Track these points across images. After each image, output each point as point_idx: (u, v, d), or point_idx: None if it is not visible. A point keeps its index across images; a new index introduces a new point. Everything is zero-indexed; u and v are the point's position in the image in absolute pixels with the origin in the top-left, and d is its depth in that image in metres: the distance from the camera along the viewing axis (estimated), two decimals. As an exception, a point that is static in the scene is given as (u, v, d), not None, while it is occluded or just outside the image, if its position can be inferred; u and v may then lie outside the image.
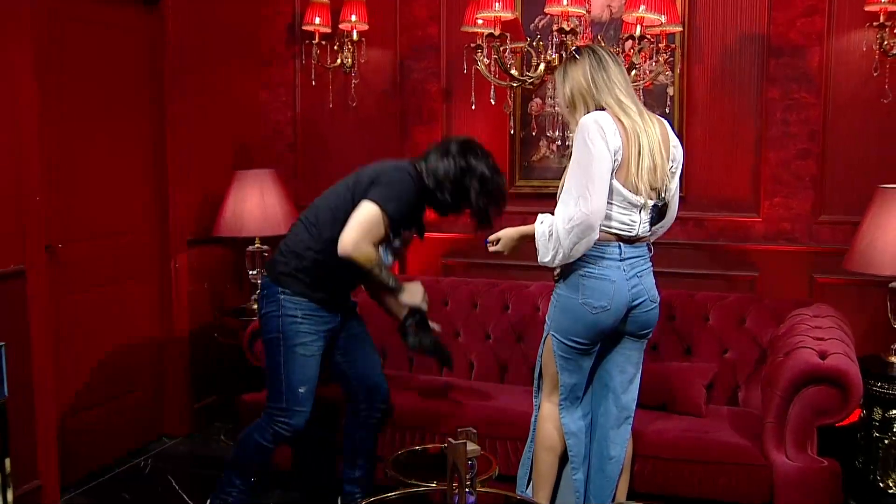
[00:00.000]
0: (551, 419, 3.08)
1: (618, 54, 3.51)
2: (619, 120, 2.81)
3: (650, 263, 2.99)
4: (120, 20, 4.35)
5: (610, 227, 2.86)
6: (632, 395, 3.08)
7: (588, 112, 2.87)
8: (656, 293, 3.01)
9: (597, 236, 2.80)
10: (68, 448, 4.01)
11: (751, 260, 4.33)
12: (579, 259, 2.86)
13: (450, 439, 2.55)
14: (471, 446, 2.55)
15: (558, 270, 2.96)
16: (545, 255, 2.89)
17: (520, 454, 3.47)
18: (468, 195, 3.23)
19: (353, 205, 3.15)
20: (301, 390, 3.24)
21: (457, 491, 2.53)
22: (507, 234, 3.14)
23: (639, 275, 2.93)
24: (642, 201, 2.86)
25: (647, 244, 2.99)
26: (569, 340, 2.94)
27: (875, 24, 3.87)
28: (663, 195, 2.93)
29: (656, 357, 3.91)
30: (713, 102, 4.34)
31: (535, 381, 3.18)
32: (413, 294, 3.32)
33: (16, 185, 3.65)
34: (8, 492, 3.17)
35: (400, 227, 3.23)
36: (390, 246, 3.27)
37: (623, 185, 2.82)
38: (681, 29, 4.01)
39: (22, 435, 3.59)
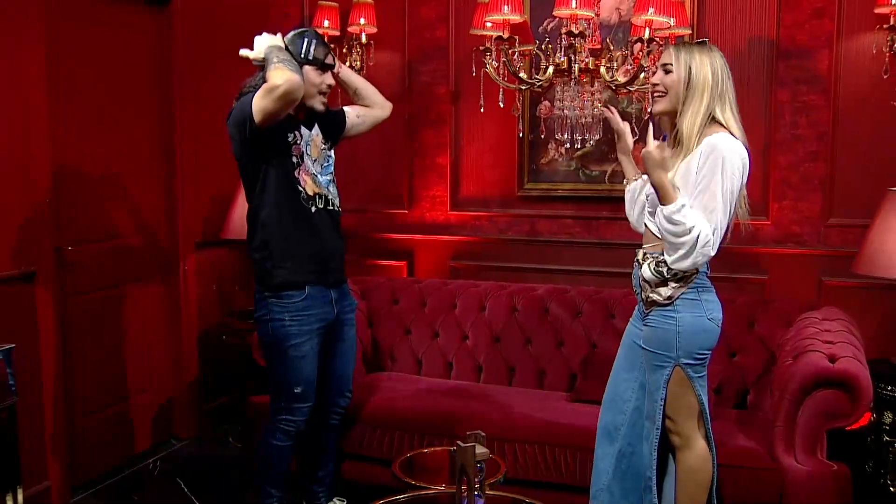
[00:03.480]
0: (709, 460, 2.88)
1: (626, 57, 3.54)
2: (741, 140, 2.74)
3: None
4: (128, 21, 4.37)
5: None
6: None
7: (703, 110, 2.74)
8: None
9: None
10: (78, 449, 4.03)
11: (759, 263, 4.32)
12: (693, 276, 2.76)
13: (458, 442, 2.55)
14: (479, 449, 2.56)
15: (670, 292, 2.77)
16: (674, 245, 2.68)
17: (529, 458, 3.48)
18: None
19: (244, 158, 3.20)
20: (297, 390, 3.30)
21: (465, 494, 2.53)
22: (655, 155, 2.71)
23: None
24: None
25: None
26: (699, 359, 2.81)
27: (885, 26, 3.87)
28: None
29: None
30: (722, 105, 4.33)
31: (656, 429, 2.87)
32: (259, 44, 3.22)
33: (25, 187, 3.66)
34: (18, 492, 3.18)
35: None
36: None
37: None
38: (690, 31, 4.00)
39: (31, 436, 3.61)
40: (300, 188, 3.24)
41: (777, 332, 3.79)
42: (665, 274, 2.75)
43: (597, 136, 3.73)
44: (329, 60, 3.27)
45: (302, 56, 3.20)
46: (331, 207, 3.36)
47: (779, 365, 3.46)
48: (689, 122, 2.75)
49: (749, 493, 3.22)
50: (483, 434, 2.66)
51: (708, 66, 2.76)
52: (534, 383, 4.15)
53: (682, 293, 2.76)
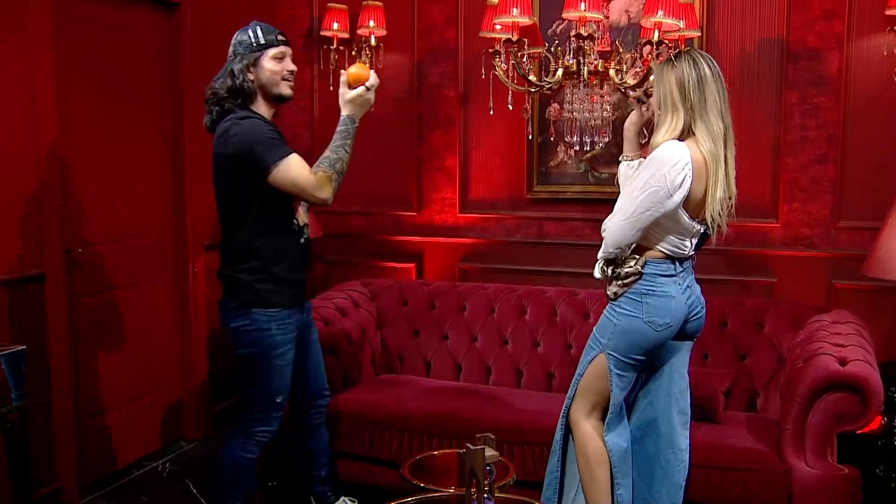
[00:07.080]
0: (597, 436, 2.97)
1: (635, 59, 3.54)
2: (701, 150, 2.77)
3: (693, 271, 2.99)
4: (138, 23, 4.38)
5: (665, 249, 2.85)
6: (688, 399, 3.07)
7: (676, 124, 2.81)
8: (703, 298, 3.01)
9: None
10: (87, 450, 4.04)
11: (769, 265, 4.31)
12: (640, 277, 2.85)
13: (468, 445, 2.55)
14: (489, 452, 2.55)
15: (615, 290, 2.89)
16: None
17: (538, 460, 3.47)
18: (240, 61, 3.22)
19: (241, 186, 3.18)
20: (279, 399, 3.25)
21: (475, 497, 2.53)
22: None
23: (689, 285, 2.94)
24: (700, 230, 2.86)
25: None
26: (628, 358, 2.89)
27: (896, 27, 3.86)
28: (718, 225, 2.86)
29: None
30: (732, 107, 4.30)
31: (569, 401, 3.04)
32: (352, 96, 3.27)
33: (35, 189, 3.67)
34: (29, 493, 3.19)
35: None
36: None
37: (688, 216, 2.81)
38: (699, 34, 4.00)
39: (41, 437, 3.62)
40: (295, 220, 3.25)
41: (787, 334, 3.79)
42: (609, 273, 2.91)
43: (606, 139, 3.73)
44: (281, 37, 3.24)
45: (255, 45, 3.19)
46: (308, 234, 3.36)
47: (789, 368, 3.45)
48: (659, 138, 2.84)
49: (758, 495, 3.22)
50: (493, 436, 2.66)
51: (674, 85, 2.82)
52: (543, 385, 4.15)
53: (626, 292, 2.88)
